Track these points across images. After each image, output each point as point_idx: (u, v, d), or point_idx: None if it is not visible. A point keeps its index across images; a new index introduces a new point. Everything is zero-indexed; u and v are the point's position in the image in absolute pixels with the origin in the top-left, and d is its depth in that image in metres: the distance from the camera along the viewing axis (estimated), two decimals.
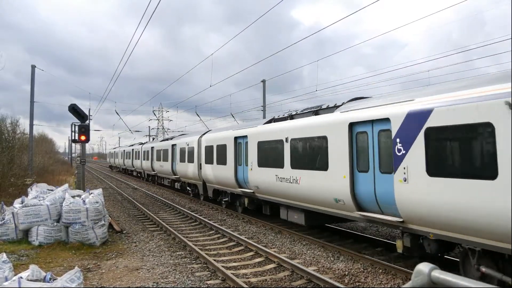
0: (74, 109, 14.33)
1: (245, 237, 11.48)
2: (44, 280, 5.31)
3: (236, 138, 15.28)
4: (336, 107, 10.11)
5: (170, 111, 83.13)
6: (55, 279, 5.37)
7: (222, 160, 16.39)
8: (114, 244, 10.80)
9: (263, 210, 14.22)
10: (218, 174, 16.80)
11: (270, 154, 12.55)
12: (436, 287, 1.42)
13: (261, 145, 13.15)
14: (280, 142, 11.85)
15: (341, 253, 9.64)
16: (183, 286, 7.40)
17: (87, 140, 14.42)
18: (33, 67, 24.61)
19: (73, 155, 77.07)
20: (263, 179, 12.96)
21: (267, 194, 13.04)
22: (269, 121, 13.56)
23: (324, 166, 9.83)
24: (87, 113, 22.24)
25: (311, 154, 10.44)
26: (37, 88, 24.94)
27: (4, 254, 5.87)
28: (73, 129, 14.22)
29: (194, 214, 15.56)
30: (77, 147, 73.48)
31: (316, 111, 10.87)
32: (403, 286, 1.48)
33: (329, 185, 9.58)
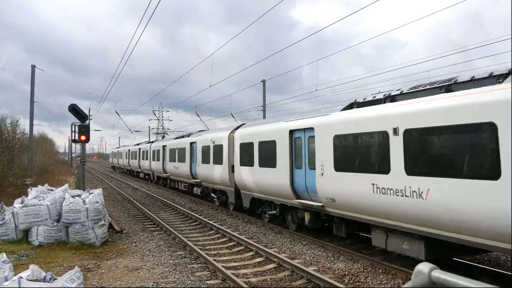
0: (74, 109, 14.33)
1: (245, 237, 11.48)
2: (44, 280, 5.31)
3: (292, 132, 11.54)
4: (496, 76, 6.59)
5: (170, 111, 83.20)
6: (55, 279, 5.37)
7: (268, 162, 12.66)
8: (114, 244, 10.81)
9: (334, 230, 10.44)
10: (262, 179, 13.14)
11: (359, 153, 8.82)
12: (436, 287, 1.42)
13: (341, 140, 9.43)
14: (381, 135, 8.14)
15: (341, 253, 9.65)
16: (183, 286, 7.40)
17: (87, 140, 14.42)
18: (33, 67, 24.62)
19: (73, 155, 77.08)
20: (344, 188, 9.23)
21: (350, 210, 9.27)
22: (349, 107, 9.90)
23: (488, 173, 6.12)
24: (87, 113, 22.23)
25: (453, 152, 6.76)
26: (36, 88, 24.93)
27: (4, 254, 5.87)
28: (73, 129, 14.22)
29: (194, 214, 15.56)
30: (77, 147, 73.52)
31: (448, 86, 7.45)
32: (403, 286, 1.48)
33: (504, 204, 5.77)
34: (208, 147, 18.33)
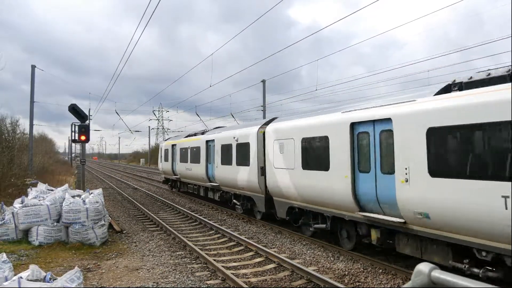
0: (74, 109, 14.34)
1: (245, 237, 11.48)
2: (44, 280, 5.31)
3: (352, 125, 9.07)
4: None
5: (170, 111, 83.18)
6: (55, 279, 5.37)
7: (323, 163, 9.85)
8: (114, 244, 10.81)
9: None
10: (309, 185, 10.40)
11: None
12: (436, 287, 1.42)
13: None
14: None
15: (341, 253, 9.65)
16: (183, 286, 7.41)
17: (87, 140, 14.44)
18: (33, 67, 24.62)
19: (73, 155, 77.09)
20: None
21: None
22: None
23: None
24: (87, 113, 22.22)
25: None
26: (35, 88, 24.89)
27: (4, 254, 5.87)
28: (73, 129, 14.25)
29: (194, 214, 15.56)
30: (77, 147, 73.54)
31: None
32: (403, 286, 1.48)
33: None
34: (230, 146, 15.75)
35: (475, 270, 6.61)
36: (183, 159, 21.57)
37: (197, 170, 19.20)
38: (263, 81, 29.08)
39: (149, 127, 76.46)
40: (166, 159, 25.82)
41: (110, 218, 13.21)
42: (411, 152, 7.37)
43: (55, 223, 10.36)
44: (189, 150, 20.76)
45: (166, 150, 25.92)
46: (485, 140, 6.15)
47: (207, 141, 18.28)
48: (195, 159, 19.51)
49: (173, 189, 26.37)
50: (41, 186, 12.15)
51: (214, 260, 8.93)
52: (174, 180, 25.28)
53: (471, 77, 6.93)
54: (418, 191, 7.18)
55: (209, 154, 18.05)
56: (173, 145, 24.34)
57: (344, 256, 9.38)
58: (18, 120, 32.11)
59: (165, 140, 27.99)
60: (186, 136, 22.47)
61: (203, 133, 19.67)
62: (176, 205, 18.33)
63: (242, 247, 10.54)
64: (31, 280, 5.12)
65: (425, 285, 1.44)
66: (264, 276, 8.11)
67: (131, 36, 39.95)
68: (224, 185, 16.58)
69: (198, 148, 19.13)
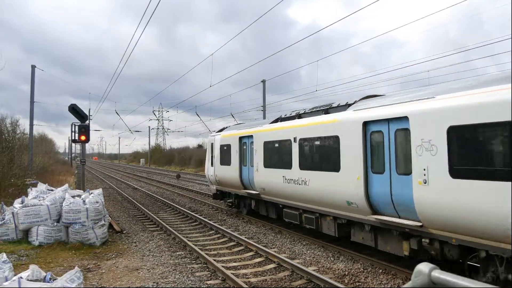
0: (74, 109, 14.35)
1: (245, 237, 11.48)
2: (44, 280, 5.31)
3: None
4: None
5: (170, 111, 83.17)
6: (55, 279, 5.37)
7: None
8: (114, 244, 10.81)
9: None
10: None
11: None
12: (436, 287, 1.42)
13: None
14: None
15: (341, 253, 9.65)
16: (183, 286, 7.41)
17: (87, 140, 14.44)
18: (33, 67, 24.60)
19: (73, 155, 77.11)
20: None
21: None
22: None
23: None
24: (87, 113, 22.20)
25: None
26: (35, 88, 24.85)
27: (4, 254, 5.87)
28: (73, 129, 14.25)
29: (194, 214, 15.55)
30: (77, 147, 73.57)
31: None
32: (403, 286, 1.48)
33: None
34: None
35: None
36: (273, 163, 12.17)
37: (327, 184, 9.52)
38: (263, 81, 29.08)
39: (149, 127, 76.62)
40: (224, 162, 15.43)
41: (110, 218, 13.20)
42: None
43: (55, 223, 10.36)
44: (296, 146, 10.88)
45: (225, 147, 15.42)
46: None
47: (366, 124, 8.31)
48: (320, 162, 9.92)
49: (233, 208, 16.16)
50: (41, 186, 12.15)
51: (214, 260, 8.93)
52: (242, 197, 15.15)
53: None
54: None
55: (385, 153, 7.89)
56: (242, 138, 14.30)
57: (344, 256, 9.38)
58: (18, 120, 32.03)
59: (220, 131, 16.61)
60: (275, 121, 12.59)
61: (327, 111, 10.04)
62: (176, 205, 18.33)
63: (242, 247, 10.54)
64: (31, 280, 5.12)
65: (425, 285, 1.44)
66: (264, 276, 8.11)
67: (131, 36, 39.78)
68: (480, 233, 6.01)
69: (330, 141, 9.46)
